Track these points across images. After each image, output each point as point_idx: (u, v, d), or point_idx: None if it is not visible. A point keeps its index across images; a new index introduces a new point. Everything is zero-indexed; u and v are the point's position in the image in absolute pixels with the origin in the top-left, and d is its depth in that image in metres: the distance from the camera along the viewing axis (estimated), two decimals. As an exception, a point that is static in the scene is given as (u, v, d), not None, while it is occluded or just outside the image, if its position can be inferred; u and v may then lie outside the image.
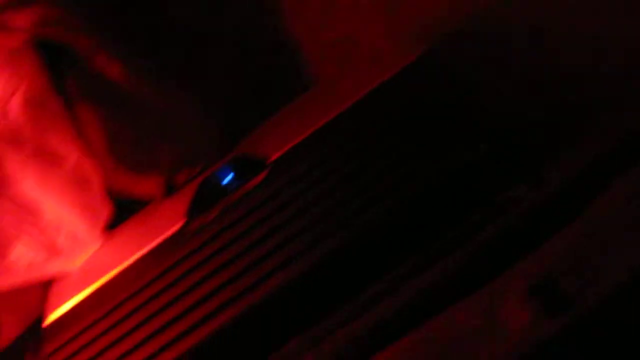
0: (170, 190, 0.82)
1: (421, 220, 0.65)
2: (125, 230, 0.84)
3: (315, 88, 0.94)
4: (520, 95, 0.77)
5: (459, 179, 0.65)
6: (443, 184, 0.65)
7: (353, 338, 0.62)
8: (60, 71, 0.81)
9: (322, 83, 0.95)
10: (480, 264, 0.61)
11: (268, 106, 0.88)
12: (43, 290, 0.84)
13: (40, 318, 0.81)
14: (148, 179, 0.80)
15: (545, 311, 0.57)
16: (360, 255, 0.64)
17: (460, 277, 0.60)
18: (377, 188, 0.66)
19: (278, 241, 0.65)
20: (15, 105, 0.75)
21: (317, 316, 0.63)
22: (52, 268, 0.81)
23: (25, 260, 0.79)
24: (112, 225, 0.87)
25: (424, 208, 0.64)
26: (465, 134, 0.67)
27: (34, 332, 0.88)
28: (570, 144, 0.69)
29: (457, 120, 0.69)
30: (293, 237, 0.65)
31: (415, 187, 0.64)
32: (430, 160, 0.66)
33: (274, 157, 0.75)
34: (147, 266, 0.74)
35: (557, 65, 0.78)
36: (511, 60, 0.80)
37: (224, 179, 0.76)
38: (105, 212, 0.84)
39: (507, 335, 0.56)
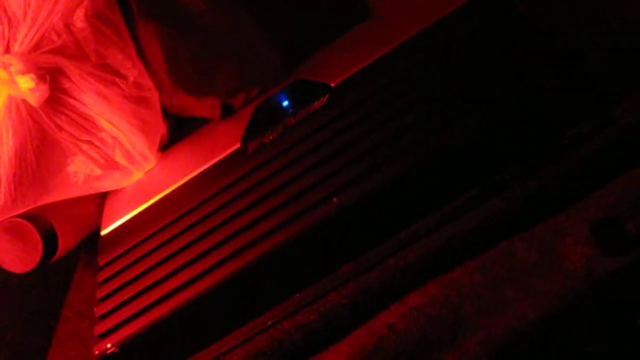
0: (227, 112, 0.82)
1: (484, 154, 0.64)
2: (183, 149, 0.86)
3: (372, 19, 0.92)
4: (587, 34, 0.74)
5: (524, 114, 0.64)
6: (509, 118, 0.64)
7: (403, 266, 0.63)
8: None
9: (379, 14, 0.93)
10: (544, 199, 0.60)
11: (326, 35, 0.87)
12: (100, 204, 0.86)
13: (96, 231, 0.83)
14: (206, 99, 0.80)
15: (605, 250, 0.56)
16: (423, 181, 0.64)
17: (523, 210, 0.60)
18: (440, 118, 0.65)
19: (340, 164, 0.66)
20: (78, 20, 0.76)
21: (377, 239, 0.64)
22: (109, 183, 0.83)
23: (83, 174, 0.80)
24: (170, 143, 0.88)
25: (487, 141, 0.64)
26: (530, 69, 0.65)
27: (88, 245, 0.92)
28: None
29: (523, 56, 0.67)
30: (355, 161, 0.65)
31: (479, 120, 0.63)
32: (495, 95, 0.65)
33: (334, 82, 0.74)
34: (205, 184, 0.75)
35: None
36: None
37: (282, 102, 0.77)
38: (162, 130, 0.85)
39: (565, 271, 0.56)
